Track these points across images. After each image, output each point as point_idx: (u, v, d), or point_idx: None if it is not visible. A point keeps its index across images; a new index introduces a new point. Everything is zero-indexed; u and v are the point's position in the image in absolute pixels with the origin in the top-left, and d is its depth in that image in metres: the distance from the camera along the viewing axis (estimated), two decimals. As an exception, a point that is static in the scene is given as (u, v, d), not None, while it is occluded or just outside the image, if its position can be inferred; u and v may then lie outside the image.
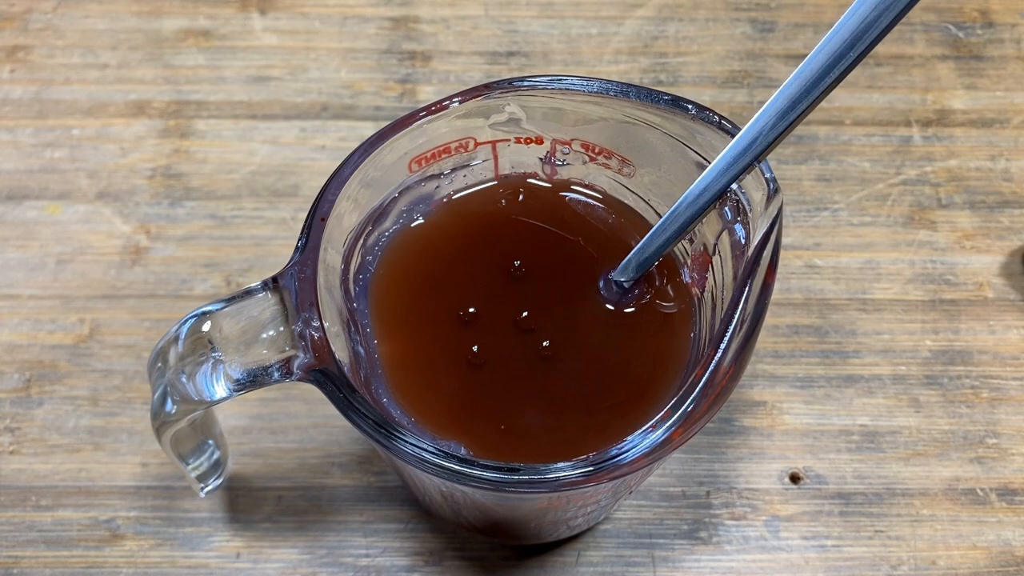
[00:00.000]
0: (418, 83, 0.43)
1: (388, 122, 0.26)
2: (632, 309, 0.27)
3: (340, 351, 0.23)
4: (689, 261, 0.27)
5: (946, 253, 0.38)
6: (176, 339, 0.23)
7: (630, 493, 0.29)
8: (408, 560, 0.32)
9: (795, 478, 0.33)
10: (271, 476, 0.33)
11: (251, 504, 0.33)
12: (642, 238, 0.26)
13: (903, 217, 0.39)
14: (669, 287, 0.28)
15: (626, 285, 0.27)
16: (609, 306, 0.27)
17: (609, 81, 0.25)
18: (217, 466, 0.29)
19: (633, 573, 0.32)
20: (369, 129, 0.41)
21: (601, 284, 0.27)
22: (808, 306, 0.37)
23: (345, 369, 0.23)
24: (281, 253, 0.38)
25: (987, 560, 0.32)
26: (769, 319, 0.37)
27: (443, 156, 0.28)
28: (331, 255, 0.25)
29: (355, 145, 0.25)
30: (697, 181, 0.24)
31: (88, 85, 0.43)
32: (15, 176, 0.40)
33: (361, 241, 0.27)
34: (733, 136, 0.23)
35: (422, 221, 0.29)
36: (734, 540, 0.32)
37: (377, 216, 0.27)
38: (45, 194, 0.40)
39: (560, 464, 0.21)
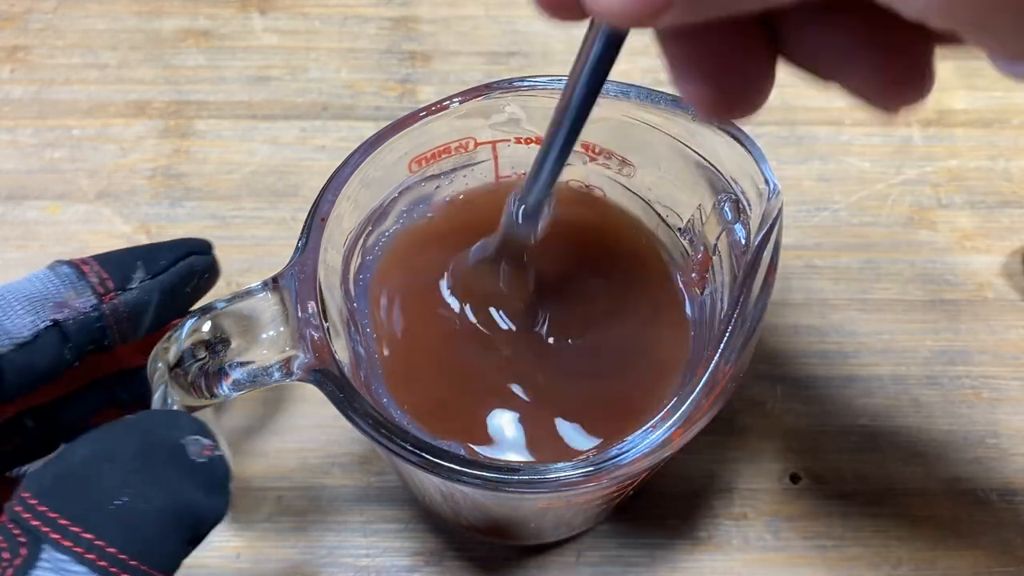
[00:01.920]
0: (418, 83, 0.43)
1: (388, 122, 0.26)
2: (632, 309, 0.27)
3: (340, 351, 0.23)
4: (690, 261, 0.27)
5: (946, 253, 0.38)
6: (176, 339, 0.23)
7: (630, 493, 0.29)
8: (408, 560, 0.32)
9: (795, 478, 0.33)
10: (271, 476, 0.33)
11: (251, 504, 0.33)
12: (641, 238, 0.26)
13: (903, 217, 0.39)
14: (669, 287, 0.28)
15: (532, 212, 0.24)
16: (607, 300, 0.27)
17: (609, 81, 0.25)
18: (218, 466, 0.29)
19: (633, 573, 0.32)
20: (369, 129, 0.41)
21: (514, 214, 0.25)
22: (808, 306, 0.37)
23: (345, 369, 0.23)
24: (281, 253, 0.38)
25: (987, 560, 0.32)
26: (769, 319, 0.37)
27: (443, 156, 0.28)
28: (331, 255, 0.25)
29: (355, 145, 0.25)
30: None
31: (88, 85, 0.43)
32: (15, 176, 0.40)
33: (361, 241, 0.27)
34: (733, 137, 0.23)
35: (422, 221, 0.29)
36: (734, 540, 0.32)
37: (377, 216, 0.27)
38: (45, 194, 0.39)
39: (560, 464, 0.21)
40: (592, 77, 0.19)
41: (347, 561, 0.32)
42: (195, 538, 0.21)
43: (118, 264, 0.25)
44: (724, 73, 0.17)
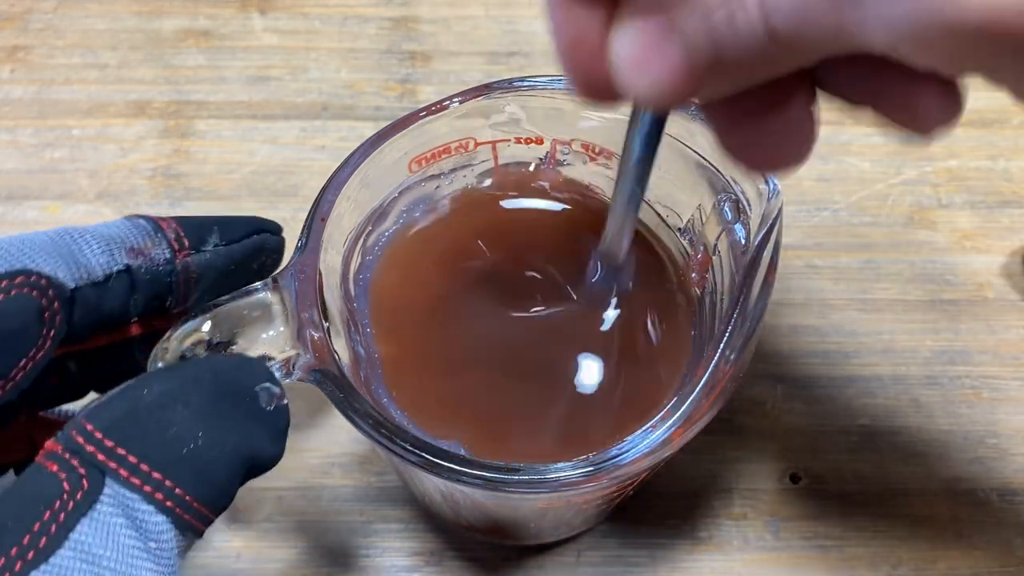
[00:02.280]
0: (418, 83, 0.43)
1: (388, 122, 0.26)
2: (632, 309, 0.27)
3: (340, 351, 0.23)
4: (690, 261, 0.27)
5: (946, 253, 0.38)
6: (176, 338, 0.23)
7: (630, 493, 0.29)
8: (408, 560, 0.32)
9: (795, 478, 0.33)
10: (271, 476, 0.33)
11: (251, 504, 0.33)
12: (641, 238, 0.26)
13: (903, 217, 0.39)
14: (669, 287, 0.28)
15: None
16: (607, 301, 0.27)
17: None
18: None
19: (633, 573, 0.32)
20: (369, 129, 0.41)
21: (591, 270, 0.26)
22: (808, 306, 0.37)
23: (345, 369, 0.23)
24: (281, 253, 0.38)
25: (987, 560, 0.32)
26: (769, 319, 0.37)
27: (443, 156, 0.28)
28: (331, 255, 0.25)
29: (355, 145, 0.25)
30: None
31: (88, 85, 0.43)
32: (15, 176, 0.40)
33: (361, 241, 0.27)
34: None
35: (422, 221, 0.29)
36: (734, 540, 0.32)
37: (377, 216, 0.27)
38: (45, 194, 0.39)
39: (560, 464, 0.21)
40: (644, 154, 0.20)
41: (347, 561, 0.32)
42: (247, 480, 0.21)
43: (195, 226, 0.25)
44: (765, 125, 0.18)
